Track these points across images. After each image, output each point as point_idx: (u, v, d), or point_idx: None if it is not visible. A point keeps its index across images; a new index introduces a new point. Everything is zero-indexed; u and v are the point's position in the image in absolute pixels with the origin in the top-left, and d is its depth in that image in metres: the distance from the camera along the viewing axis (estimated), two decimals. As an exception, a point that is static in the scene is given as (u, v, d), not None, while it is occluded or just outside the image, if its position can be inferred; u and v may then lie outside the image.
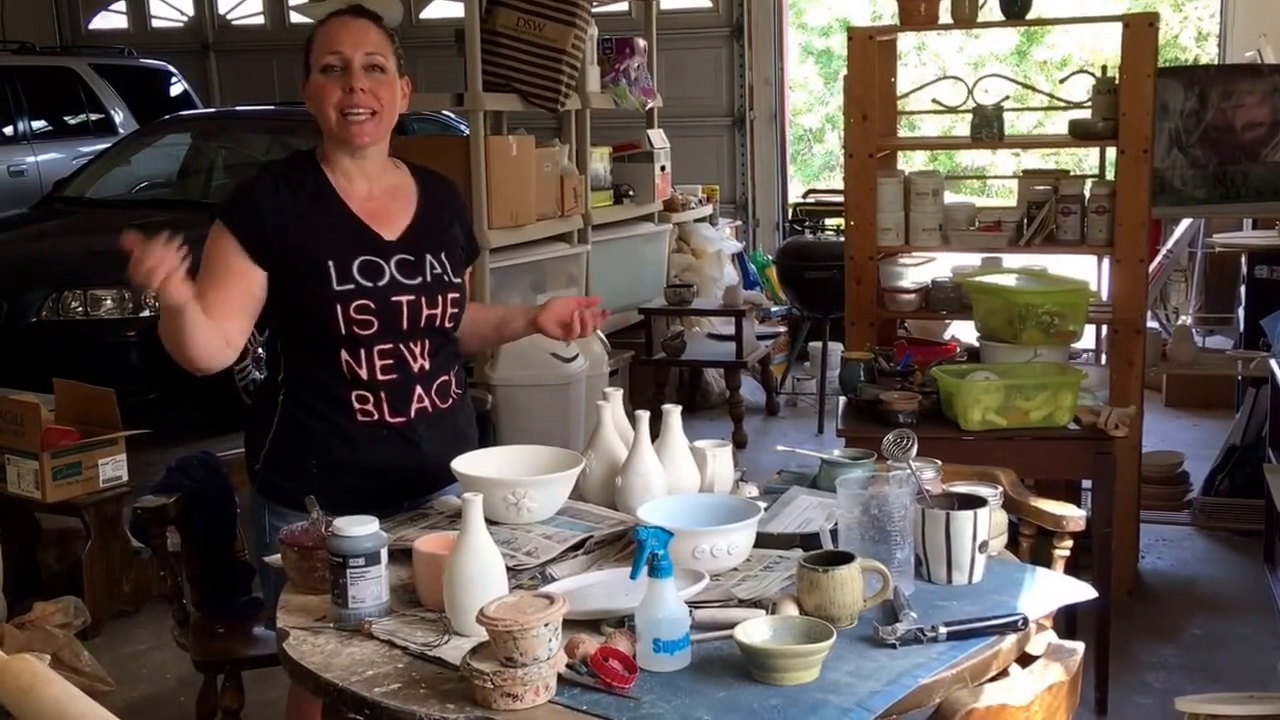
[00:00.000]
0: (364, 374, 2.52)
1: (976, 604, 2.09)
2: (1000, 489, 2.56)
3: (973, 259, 4.84)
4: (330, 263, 2.48)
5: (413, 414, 2.57)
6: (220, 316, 2.46)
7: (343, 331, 2.49)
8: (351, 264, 2.50)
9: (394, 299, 2.52)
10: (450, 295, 2.60)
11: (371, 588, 2.05)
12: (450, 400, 2.66)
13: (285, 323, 2.57)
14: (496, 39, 5.78)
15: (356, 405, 2.53)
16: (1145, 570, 4.83)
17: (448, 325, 2.61)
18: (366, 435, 2.54)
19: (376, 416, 2.54)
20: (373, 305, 2.49)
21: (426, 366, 2.59)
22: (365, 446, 2.54)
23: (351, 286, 2.49)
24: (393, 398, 2.55)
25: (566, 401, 5.51)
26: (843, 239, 5.18)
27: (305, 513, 2.43)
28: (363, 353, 2.52)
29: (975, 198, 10.91)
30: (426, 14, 10.89)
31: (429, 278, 2.57)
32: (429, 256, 2.58)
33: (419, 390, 2.58)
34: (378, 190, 2.60)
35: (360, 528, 2.06)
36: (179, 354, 2.45)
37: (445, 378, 2.64)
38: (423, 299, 2.55)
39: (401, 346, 2.55)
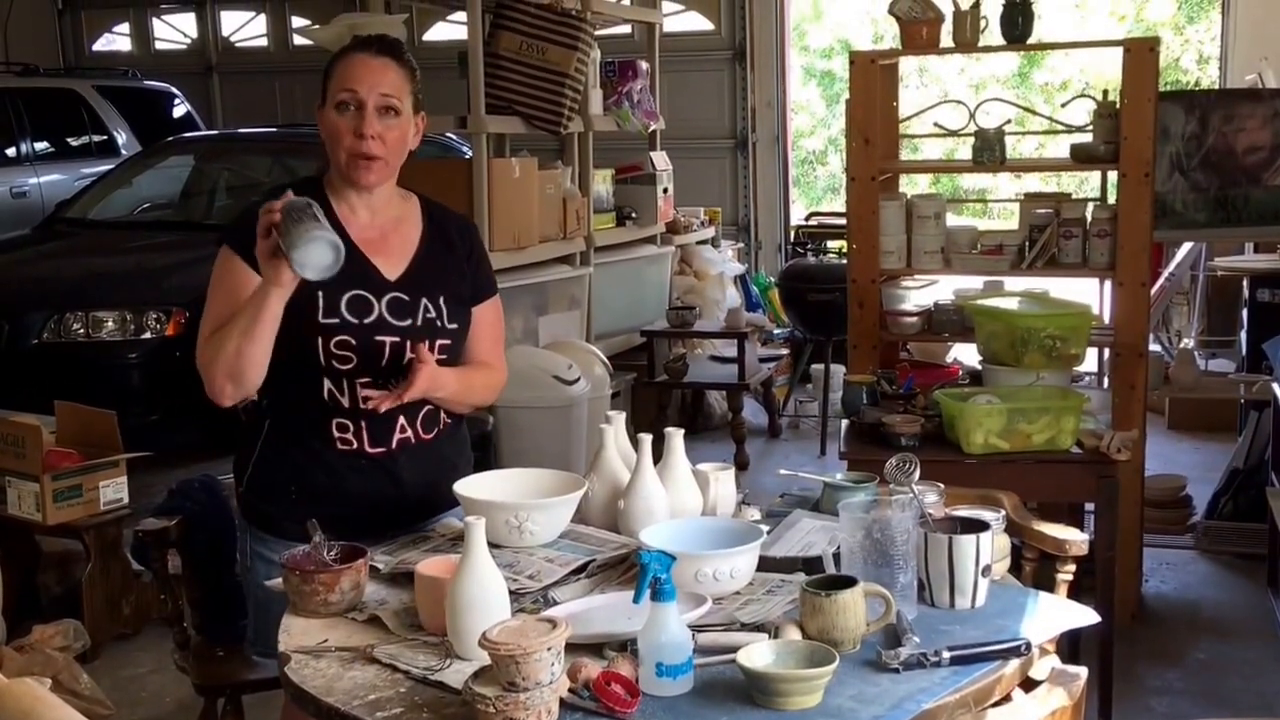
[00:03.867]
0: (345, 403, 2.50)
1: (979, 628, 2.09)
2: (1003, 513, 2.55)
3: (975, 282, 4.85)
4: (320, 293, 2.45)
5: (394, 444, 2.55)
6: None
7: (323, 363, 2.48)
8: (340, 298, 2.47)
9: (377, 339, 2.49)
10: (439, 342, 2.56)
11: (309, 217, 2.23)
12: (436, 431, 2.62)
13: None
14: (500, 62, 5.80)
15: (337, 434, 2.50)
16: (1149, 594, 4.81)
17: None
18: (346, 465, 2.52)
19: (356, 446, 2.52)
20: (353, 342, 2.47)
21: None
22: (344, 476, 2.52)
23: (335, 321, 2.47)
24: (374, 428, 2.52)
25: (568, 424, 5.51)
26: (845, 261, 5.18)
27: (285, 539, 2.46)
28: (344, 383, 2.50)
29: (977, 220, 10.94)
30: (429, 36, 10.93)
31: (420, 322, 2.54)
32: (425, 300, 2.55)
33: (402, 421, 2.55)
34: (380, 220, 2.58)
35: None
36: (239, 367, 2.38)
37: (431, 409, 2.59)
38: (408, 343, 2.51)
39: (384, 384, 2.51)
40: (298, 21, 11.48)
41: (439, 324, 2.56)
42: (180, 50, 12.20)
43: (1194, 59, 14.91)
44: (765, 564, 2.28)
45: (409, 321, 2.53)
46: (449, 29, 10.63)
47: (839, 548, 2.24)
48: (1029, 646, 2.00)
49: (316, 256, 2.24)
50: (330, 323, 2.47)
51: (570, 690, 1.82)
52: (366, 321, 2.49)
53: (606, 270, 6.73)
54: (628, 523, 2.43)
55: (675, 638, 1.86)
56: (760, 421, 7.44)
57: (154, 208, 8.02)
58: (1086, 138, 4.59)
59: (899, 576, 2.12)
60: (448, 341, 2.58)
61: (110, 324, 6.19)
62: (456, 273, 2.64)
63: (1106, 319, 4.71)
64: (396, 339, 2.51)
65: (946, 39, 4.56)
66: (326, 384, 2.49)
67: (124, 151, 9.46)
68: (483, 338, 2.69)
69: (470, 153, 6.04)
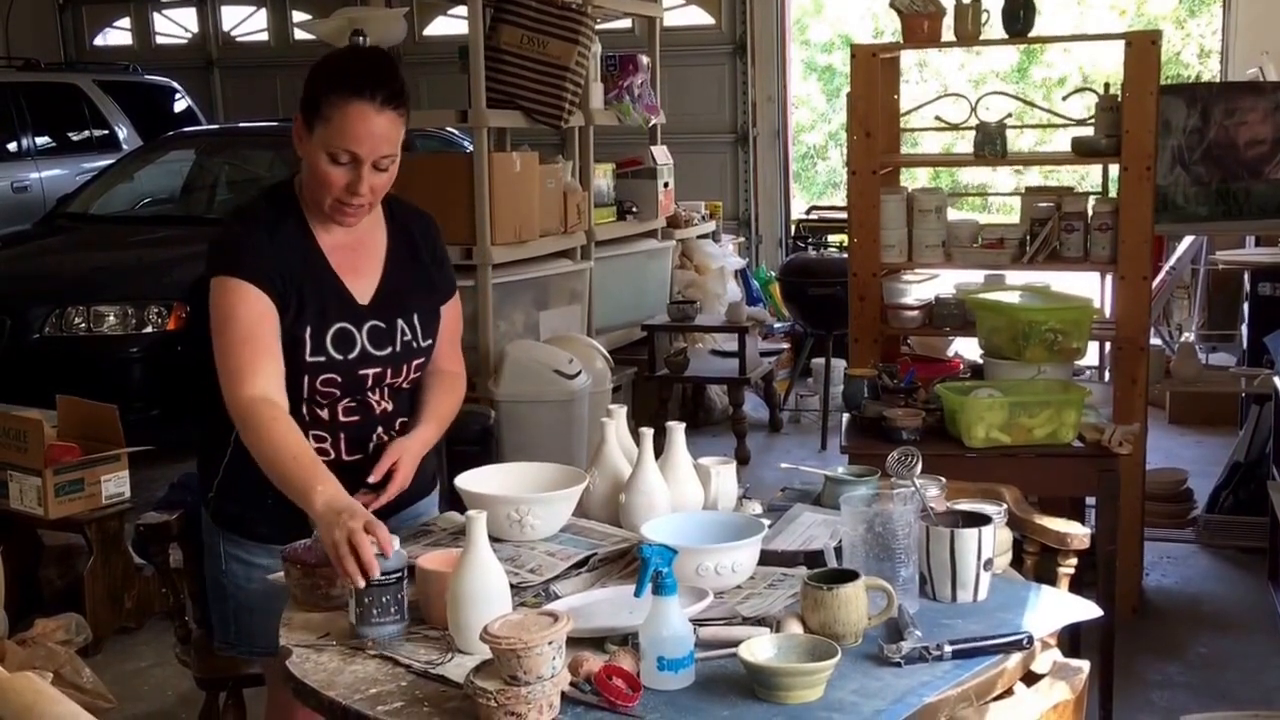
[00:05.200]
0: (325, 417, 2.48)
1: (981, 622, 2.09)
2: (1004, 506, 2.55)
3: (976, 276, 4.85)
4: (307, 329, 2.42)
5: (371, 450, 2.52)
6: (280, 381, 2.38)
7: (305, 395, 2.44)
8: (326, 333, 2.44)
9: (361, 372, 2.47)
10: (416, 361, 2.55)
11: (393, 606, 2.05)
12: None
13: None
14: (501, 56, 5.80)
15: (313, 444, 2.43)
16: (1150, 588, 4.82)
17: (405, 387, 2.57)
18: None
19: (333, 456, 2.48)
20: (339, 379, 2.45)
21: (389, 409, 2.55)
22: None
23: (322, 359, 2.44)
24: (351, 439, 2.50)
25: (570, 418, 5.51)
26: (846, 255, 5.18)
27: (260, 541, 2.48)
28: (325, 408, 2.48)
29: (977, 215, 10.94)
30: (430, 30, 10.92)
31: (399, 347, 2.51)
32: (400, 322, 2.52)
33: (380, 430, 2.54)
34: (351, 234, 2.52)
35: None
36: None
37: (405, 418, 2.58)
38: (389, 370, 2.50)
39: (364, 398, 2.51)
40: (298, 16, 11.46)
41: (415, 345, 2.54)
42: (181, 45, 12.19)
43: (1195, 53, 14.90)
44: (767, 558, 2.29)
45: (389, 350, 2.50)
46: (449, 23, 10.63)
47: (840, 541, 2.25)
48: (1031, 640, 2.00)
49: (379, 634, 2.09)
50: (317, 361, 2.44)
51: (572, 684, 1.82)
52: (351, 357, 2.46)
53: (607, 264, 6.72)
54: (629, 517, 2.43)
55: (677, 632, 1.86)
56: (761, 416, 7.44)
57: (155, 202, 8.02)
58: (1087, 132, 4.58)
59: (900, 570, 2.12)
60: (422, 360, 2.57)
61: (111, 318, 6.19)
62: (425, 283, 2.60)
63: (1108, 313, 4.71)
64: (378, 369, 2.49)
65: (948, 33, 4.55)
66: (305, 406, 2.46)
67: (125, 146, 9.45)
68: (443, 340, 2.65)
69: (471, 147, 6.04)
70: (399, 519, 2.54)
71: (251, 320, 2.37)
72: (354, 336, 2.47)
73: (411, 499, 2.60)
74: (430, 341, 2.58)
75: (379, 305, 2.51)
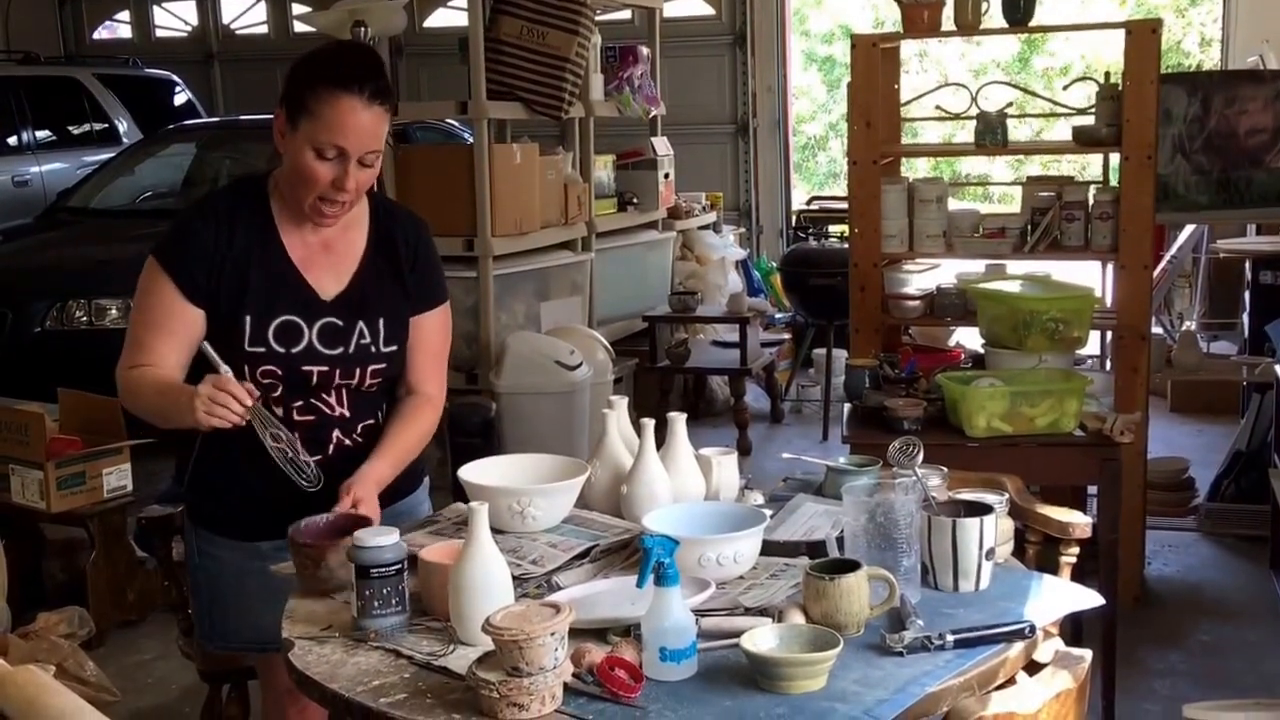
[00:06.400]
0: (280, 413, 2.44)
1: (983, 611, 2.09)
2: (1006, 496, 2.55)
3: (977, 265, 4.84)
4: (247, 319, 2.39)
5: (331, 451, 2.48)
6: (170, 363, 2.40)
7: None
8: (269, 324, 2.40)
9: (304, 368, 2.42)
10: (373, 366, 2.48)
11: (394, 598, 2.05)
12: (375, 436, 2.54)
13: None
14: (500, 47, 5.79)
15: (271, 442, 2.38)
16: (1151, 577, 4.82)
17: (364, 389, 2.51)
18: (283, 470, 2.41)
19: (291, 455, 2.41)
20: (279, 372, 2.41)
21: (346, 414, 2.50)
22: (282, 481, 2.40)
23: (262, 350, 2.40)
24: (308, 438, 2.45)
25: (571, 409, 5.51)
26: (847, 246, 5.18)
27: (229, 538, 2.49)
28: (278, 405, 2.44)
29: (978, 204, 10.93)
30: (430, 22, 10.89)
31: (352, 349, 2.46)
32: (361, 324, 2.47)
33: (337, 434, 2.50)
34: (325, 232, 2.48)
35: (383, 538, 2.06)
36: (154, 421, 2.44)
37: (370, 421, 2.54)
38: (337, 371, 2.45)
39: (314, 400, 2.47)
40: (298, 8, 11.45)
41: (374, 349, 2.48)
42: (181, 38, 12.17)
43: (1196, 41, 14.87)
44: (769, 548, 2.29)
45: (340, 350, 2.45)
46: (449, 15, 10.61)
47: (842, 531, 2.25)
48: (1033, 629, 2.00)
49: (381, 626, 2.06)
50: (256, 351, 2.40)
51: (574, 675, 1.82)
52: (294, 351, 2.42)
53: (608, 256, 6.72)
54: (631, 508, 2.43)
55: (679, 622, 1.86)
56: (763, 406, 7.44)
57: (156, 196, 8.02)
58: (1088, 121, 4.58)
59: (902, 560, 2.12)
60: (383, 365, 2.51)
61: (113, 312, 6.20)
62: (399, 288, 2.53)
63: (1109, 302, 4.71)
64: (325, 368, 2.44)
65: (948, 23, 4.55)
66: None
67: (125, 140, 9.44)
68: (419, 352, 2.57)
69: (471, 139, 6.04)
70: (383, 515, 2.51)
71: (161, 311, 2.40)
72: (301, 331, 2.43)
73: (395, 496, 2.57)
74: (394, 348, 2.52)
75: (342, 303, 2.47)
